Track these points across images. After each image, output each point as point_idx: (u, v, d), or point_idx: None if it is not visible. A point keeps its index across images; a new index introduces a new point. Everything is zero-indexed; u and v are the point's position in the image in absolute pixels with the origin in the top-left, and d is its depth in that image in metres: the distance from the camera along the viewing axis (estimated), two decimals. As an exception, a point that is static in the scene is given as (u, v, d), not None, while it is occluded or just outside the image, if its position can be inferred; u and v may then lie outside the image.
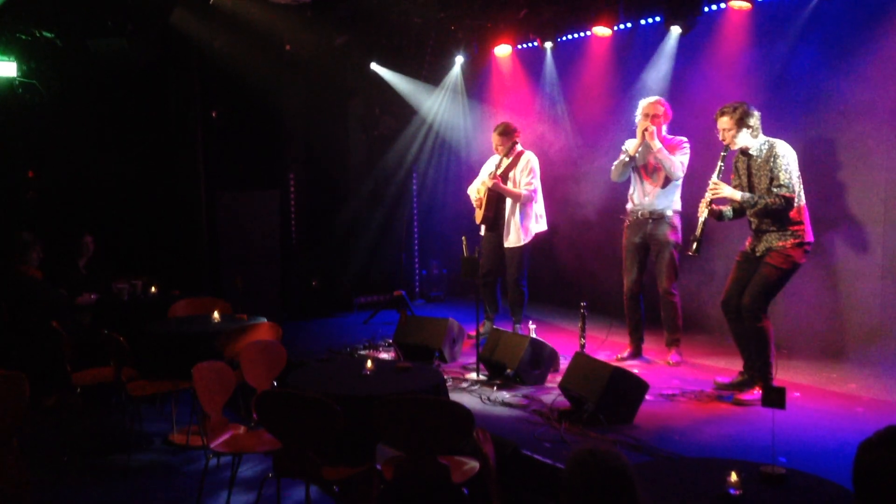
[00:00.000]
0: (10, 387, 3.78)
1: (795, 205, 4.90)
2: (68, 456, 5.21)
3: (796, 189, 4.90)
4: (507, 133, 6.75)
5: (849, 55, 5.96)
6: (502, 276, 6.97)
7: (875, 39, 5.83)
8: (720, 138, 5.09)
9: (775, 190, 4.87)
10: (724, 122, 5.02)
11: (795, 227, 4.91)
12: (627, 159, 6.02)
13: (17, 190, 7.97)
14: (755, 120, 4.98)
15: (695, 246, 5.11)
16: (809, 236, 4.96)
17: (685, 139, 5.95)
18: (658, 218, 5.96)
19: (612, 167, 6.15)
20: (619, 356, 6.14)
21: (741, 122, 4.96)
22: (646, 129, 5.85)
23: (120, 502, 4.64)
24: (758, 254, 5.04)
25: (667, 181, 5.91)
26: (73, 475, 4.99)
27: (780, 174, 4.87)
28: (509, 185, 6.65)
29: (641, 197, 6.04)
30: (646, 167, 6.02)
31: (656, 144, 5.84)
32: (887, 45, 5.78)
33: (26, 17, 7.40)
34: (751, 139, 5.01)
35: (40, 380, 5.62)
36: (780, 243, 4.93)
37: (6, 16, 7.29)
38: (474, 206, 6.95)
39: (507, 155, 6.77)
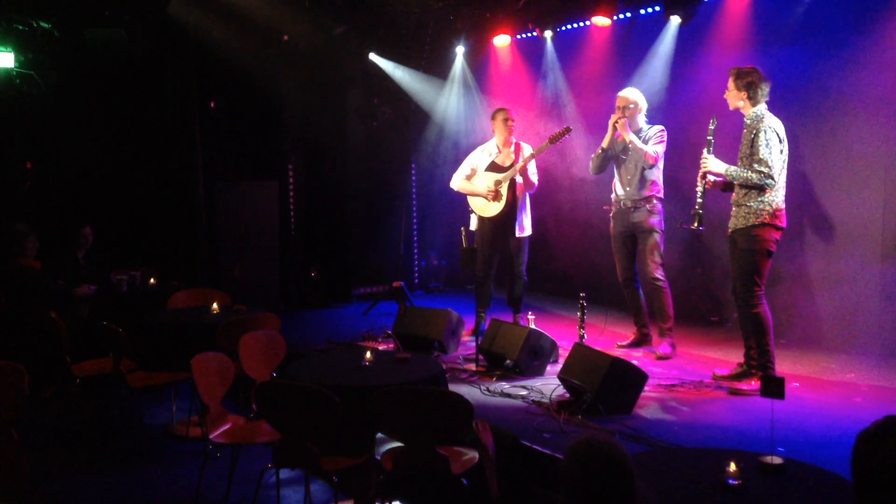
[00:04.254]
0: (9, 378, 3.78)
1: (773, 184, 4.86)
2: (67, 447, 5.21)
3: (776, 167, 4.86)
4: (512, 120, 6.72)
5: (847, 45, 5.96)
6: (498, 269, 6.96)
7: (872, 29, 5.83)
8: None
9: (755, 165, 4.87)
10: (728, 84, 5.06)
11: (763, 208, 4.89)
12: (601, 152, 6.11)
13: (16, 181, 7.96)
14: (753, 88, 4.94)
15: (695, 222, 5.18)
16: (778, 220, 4.93)
17: (661, 128, 5.99)
18: (638, 207, 5.99)
19: (590, 161, 6.25)
20: (620, 344, 6.18)
21: (737, 85, 4.98)
22: (615, 122, 5.96)
23: (119, 493, 4.65)
24: (729, 231, 5.11)
25: (643, 170, 5.93)
26: (72, 466, 4.99)
27: (760, 149, 4.85)
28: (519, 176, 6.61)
29: (623, 187, 6.08)
30: (623, 158, 6.05)
31: (627, 136, 5.92)
32: (883, 35, 5.78)
33: (23, 8, 7.37)
34: (748, 106, 4.99)
35: (39, 371, 5.62)
36: (744, 223, 4.96)
37: (3, 6, 7.26)
38: (485, 199, 6.65)
39: (506, 144, 6.73)
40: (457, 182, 6.91)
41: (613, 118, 5.98)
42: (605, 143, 6.08)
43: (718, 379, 5.27)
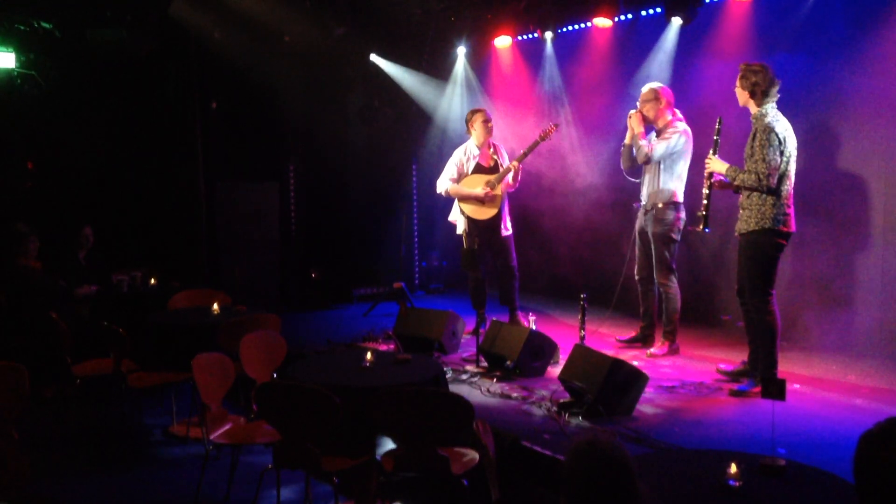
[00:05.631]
0: (10, 378, 3.78)
1: (773, 186, 4.75)
2: (68, 447, 5.21)
3: (777, 169, 4.75)
4: None
5: (847, 46, 5.96)
6: (490, 268, 6.94)
7: (872, 31, 5.83)
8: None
9: (752, 166, 4.81)
10: (737, 81, 4.98)
11: (765, 212, 4.80)
12: (623, 148, 6.12)
13: (16, 181, 7.96)
14: (758, 88, 4.84)
15: (701, 224, 5.14)
16: (782, 224, 4.82)
17: (678, 127, 5.86)
18: (651, 209, 5.95)
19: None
20: (620, 339, 6.23)
21: (742, 84, 4.92)
22: (630, 116, 5.96)
23: (119, 494, 4.64)
24: (736, 235, 5.07)
25: (662, 172, 5.88)
26: (72, 466, 4.99)
27: (758, 150, 4.78)
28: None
29: (644, 187, 6.07)
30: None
31: (636, 129, 5.91)
32: (883, 37, 5.78)
33: (25, 8, 7.38)
34: (752, 105, 4.92)
35: (40, 371, 5.61)
36: (746, 227, 4.90)
37: (5, 6, 7.27)
38: (481, 202, 6.53)
39: (486, 145, 6.69)
40: (446, 186, 6.72)
41: (630, 113, 5.99)
42: (626, 139, 6.08)
43: (722, 372, 5.29)
